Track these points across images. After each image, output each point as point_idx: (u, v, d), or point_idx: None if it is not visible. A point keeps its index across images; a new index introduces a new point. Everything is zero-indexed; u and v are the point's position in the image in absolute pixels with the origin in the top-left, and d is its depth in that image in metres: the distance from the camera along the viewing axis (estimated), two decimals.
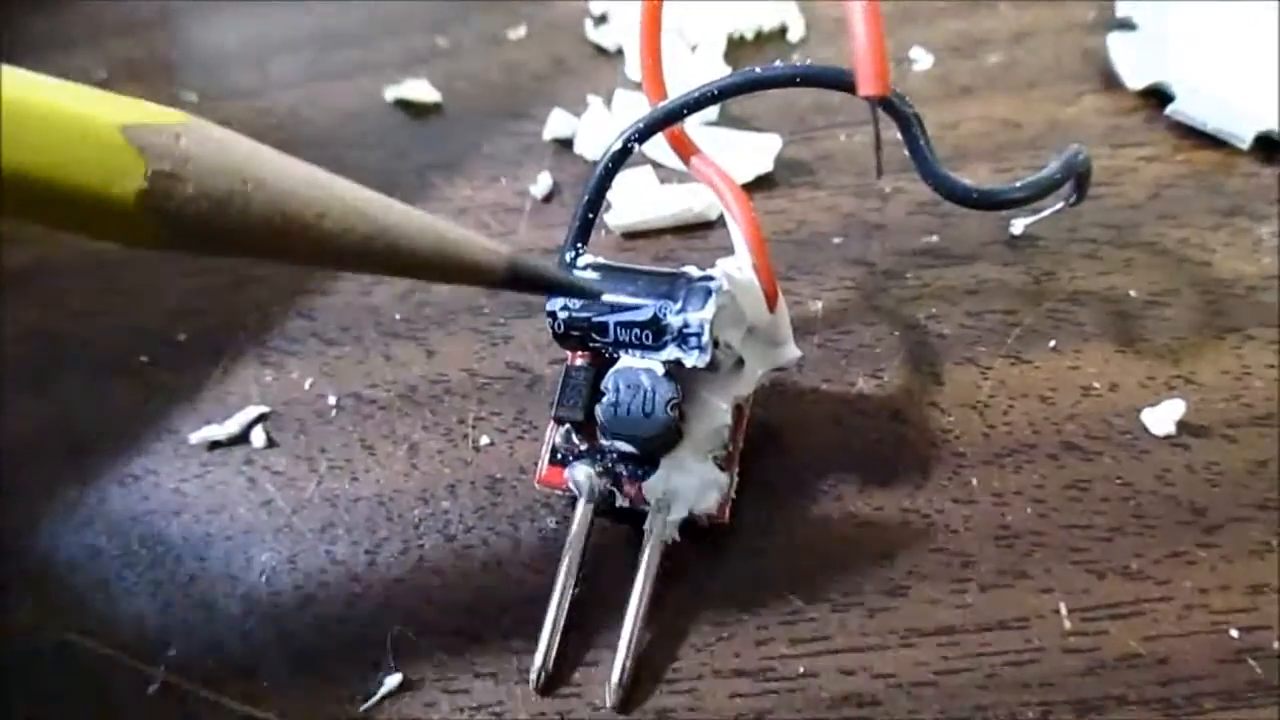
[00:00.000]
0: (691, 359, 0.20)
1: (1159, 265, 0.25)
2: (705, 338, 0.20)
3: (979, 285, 0.25)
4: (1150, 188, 0.26)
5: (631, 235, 0.27)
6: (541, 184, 0.28)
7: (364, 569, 0.22)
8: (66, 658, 0.22)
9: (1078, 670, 0.19)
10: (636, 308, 0.20)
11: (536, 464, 0.22)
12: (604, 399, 0.21)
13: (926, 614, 0.20)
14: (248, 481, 0.24)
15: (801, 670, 0.20)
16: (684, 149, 0.23)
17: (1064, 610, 0.20)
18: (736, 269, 0.21)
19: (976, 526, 0.21)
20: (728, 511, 0.21)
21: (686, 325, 0.20)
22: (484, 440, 0.24)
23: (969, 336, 0.24)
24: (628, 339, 0.21)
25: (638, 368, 0.21)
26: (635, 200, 0.27)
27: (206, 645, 0.21)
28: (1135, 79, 0.28)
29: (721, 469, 0.21)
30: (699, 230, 0.27)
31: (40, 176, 0.14)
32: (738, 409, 0.21)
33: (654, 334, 0.20)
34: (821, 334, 0.25)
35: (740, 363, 0.21)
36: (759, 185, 0.27)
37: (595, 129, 0.29)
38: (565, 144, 0.29)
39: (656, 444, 0.21)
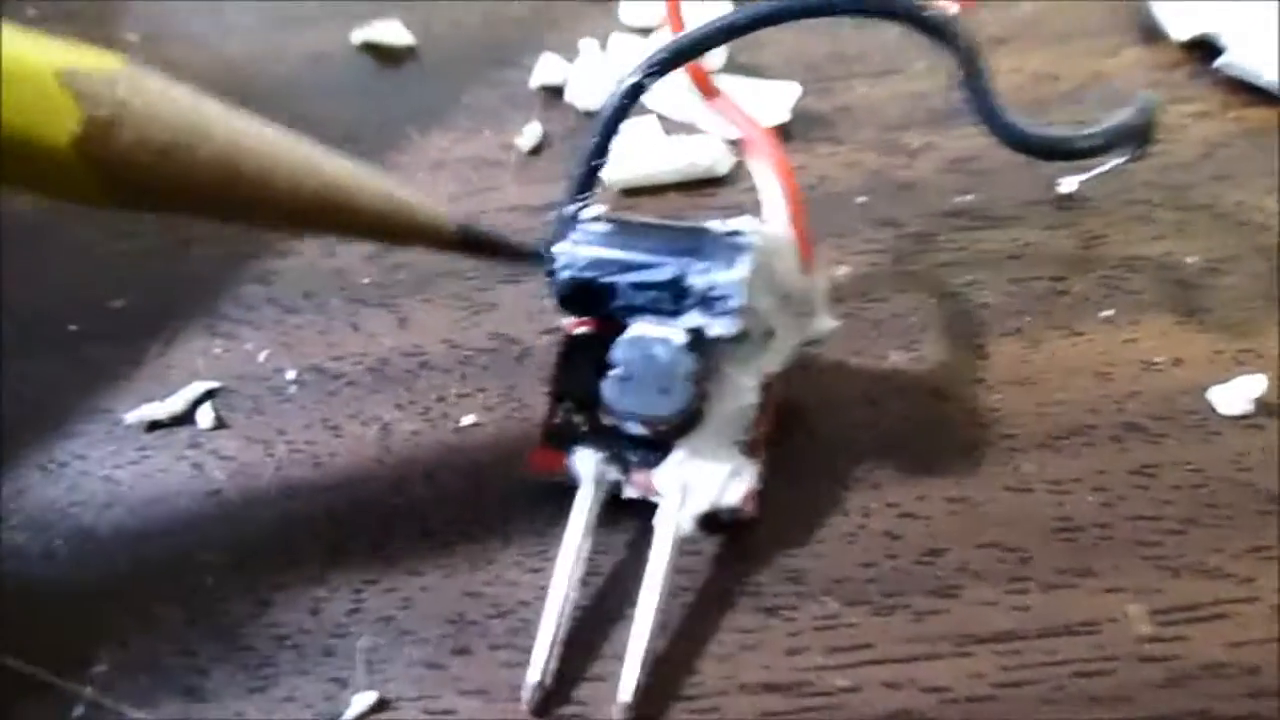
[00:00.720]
0: (719, 326, 0.17)
1: (1216, 230, 0.23)
2: (736, 302, 0.17)
3: (1021, 250, 0.23)
4: (1201, 147, 0.24)
5: (632, 192, 0.24)
6: (529, 135, 0.25)
7: (329, 569, 0.19)
8: None
9: (1156, 681, 0.17)
10: (654, 266, 0.18)
11: (528, 447, 0.20)
12: (612, 372, 0.18)
13: (981, 618, 0.18)
14: (192, 468, 0.20)
15: (841, 684, 0.17)
16: (707, 88, 0.20)
17: (1136, 613, 0.18)
18: (766, 225, 0.18)
19: (1033, 518, 0.19)
20: (754, 504, 0.18)
21: (713, 287, 0.17)
22: (466, 420, 0.21)
23: (1013, 306, 0.22)
24: (642, 302, 0.18)
25: (652, 336, 0.18)
26: (637, 153, 0.24)
27: (143, 660, 0.18)
28: (1180, 29, 0.26)
29: (747, 456, 0.18)
30: (708, 187, 0.24)
31: None
32: (765, 388, 0.19)
33: (674, 297, 0.17)
34: (849, 302, 0.22)
35: (769, 334, 0.18)
36: None
37: (590, 75, 0.26)
38: (555, 92, 0.26)
39: (673, 426, 0.18)
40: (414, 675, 0.18)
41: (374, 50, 0.28)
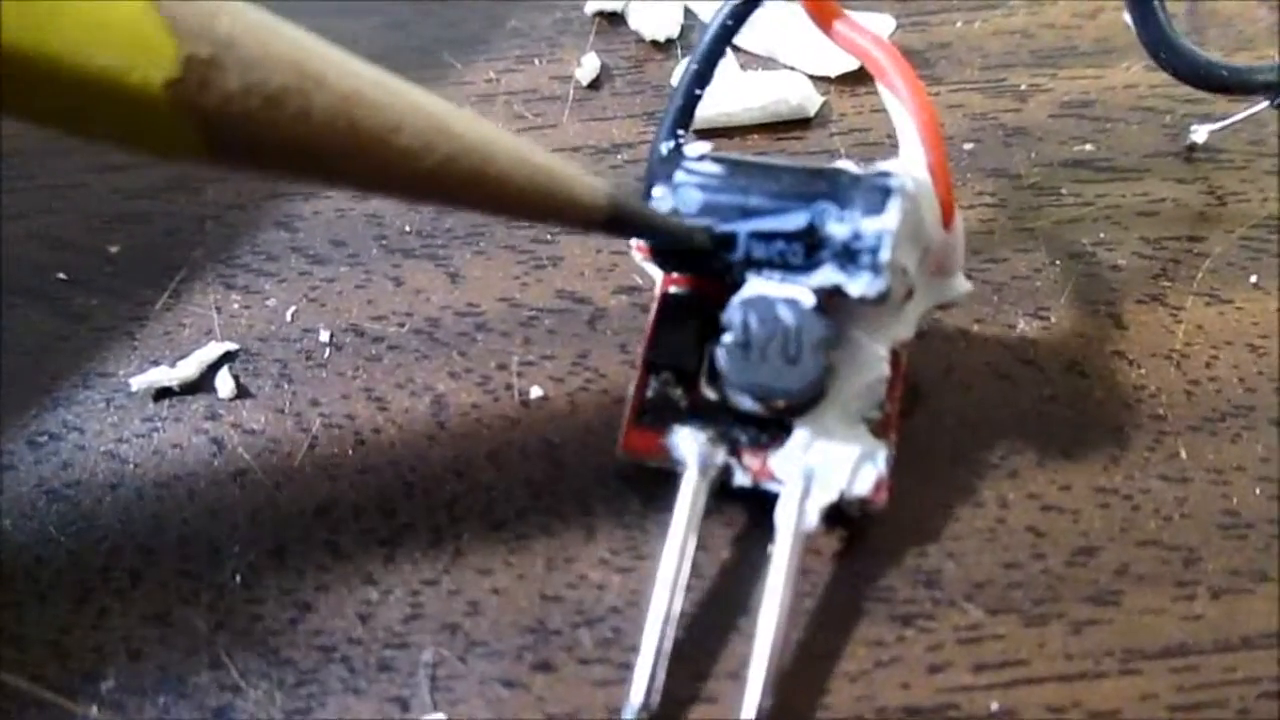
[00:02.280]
0: (860, 285, 0.14)
1: None
2: (884, 255, 0.14)
3: (1153, 206, 0.20)
4: None
5: (707, 133, 0.21)
6: (588, 67, 0.22)
7: (380, 567, 0.16)
8: None
9: None
10: (782, 211, 0.15)
11: (609, 425, 0.17)
12: (726, 338, 0.15)
13: (1148, 629, 0.15)
14: (212, 443, 0.17)
15: (995, 707, 0.15)
16: (824, 12, 0.17)
17: None
18: (910, 167, 0.15)
19: (1195, 512, 0.16)
20: (885, 493, 0.16)
21: (857, 236, 0.14)
22: (534, 392, 0.18)
23: (1150, 269, 0.19)
24: (765, 256, 0.15)
25: (775, 297, 0.15)
26: (713, 89, 0.21)
27: (160, 674, 0.15)
28: None
29: (878, 437, 0.16)
30: (794, 129, 0.21)
31: (46, 57, 0.11)
32: (894, 357, 0.16)
33: (806, 249, 0.15)
34: (964, 263, 0.19)
35: (910, 295, 0.16)
36: (863, 78, 0.22)
37: (654, 1, 0.23)
38: (613, 19, 0.23)
39: (799, 402, 0.15)
40: (489, 695, 0.15)
41: None
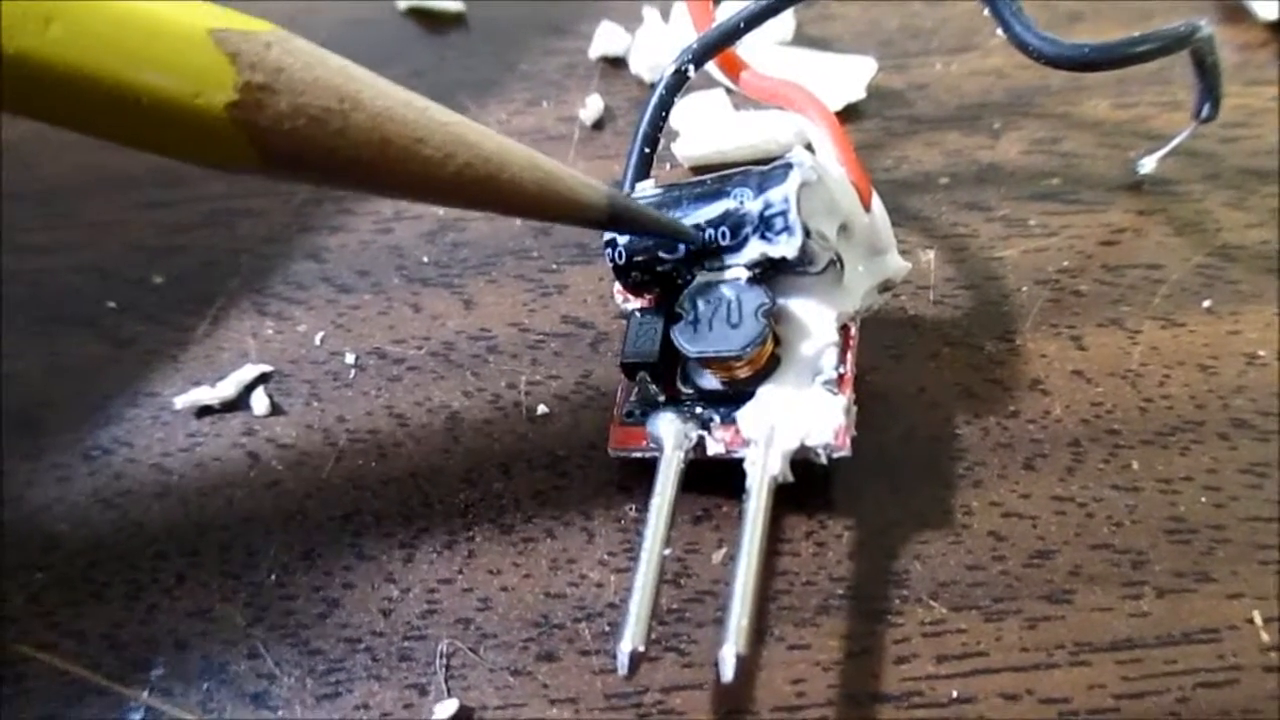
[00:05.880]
0: (779, 246, 0.17)
1: None
2: (791, 214, 0.16)
3: (1114, 236, 0.22)
4: None
5: (702, 169, 0.23)
6: (592, 108, 0.24)
7: (400, 567, 0.18)
8: (19, 677, 0.17)
9: None
10: (707, 204, 0.17)
11: (607, 437, 0.18)
12: (681, 322, 0.17)
13: (1097, 624, 0.17)
14: (248, 457, 0.19)
15: (955, 694, 0.16)
16: (732, 68, 0.20)
17: (1259, 620, 0.17)
18: (818, 163, 0.17)
19: (1144, 518, 0.18)
20: (848, 439, 0.17)
21: (768, 206, 0.17)
22: (541, 409, 0.20)
23: (1110, 295, 0.21)
24: (703, 244, 0.17)
25: (717, 280, 0.17)
26: (707, 128, 0.23)
27: (202, 663, 0.17)
28: (1267, 10, 0.25)
29: (833, 392, 0.17)
30: None
31: (122, 82, 0.13)
32: (843, 330, 0.18)
33: (732, 230, 0.17)
34: (937, 289, 0.21)
35: (839, 266, 0.17)
36: (848, 116, 0.24)
37: (652, 45, 0.24)
38: (616, 63, 0.25)
39: (751, 370, 0.17)
40: (498, 683, 0.17)
41: (420, 16, 0.26)
